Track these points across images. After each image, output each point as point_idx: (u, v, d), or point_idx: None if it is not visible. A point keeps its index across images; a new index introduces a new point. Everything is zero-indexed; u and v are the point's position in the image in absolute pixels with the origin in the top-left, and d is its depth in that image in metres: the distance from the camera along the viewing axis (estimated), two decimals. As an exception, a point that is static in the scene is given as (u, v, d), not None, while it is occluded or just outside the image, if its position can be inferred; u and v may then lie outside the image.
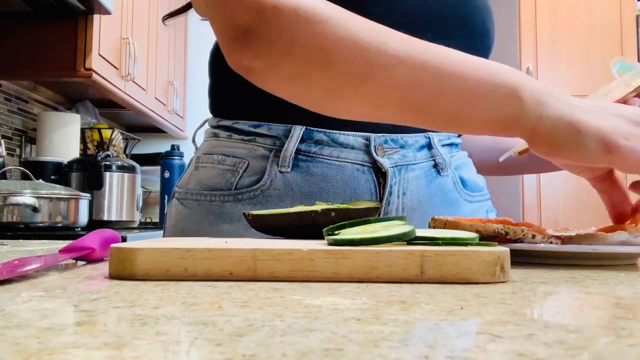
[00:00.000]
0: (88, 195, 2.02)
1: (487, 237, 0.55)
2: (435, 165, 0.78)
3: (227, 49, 0.61)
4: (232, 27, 0.60)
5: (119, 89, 2.49)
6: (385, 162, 0.74)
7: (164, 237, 0.82)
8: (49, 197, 1.80)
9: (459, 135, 0.84)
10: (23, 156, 2.46)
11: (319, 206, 0.59)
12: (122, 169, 2.37)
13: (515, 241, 0.54)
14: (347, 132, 0.74)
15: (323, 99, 0.61)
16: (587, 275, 0.47)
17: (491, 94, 0.55)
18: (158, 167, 3.04)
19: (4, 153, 2.10)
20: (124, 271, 0.42)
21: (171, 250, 0.42)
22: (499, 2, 3.74)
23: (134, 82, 2.62)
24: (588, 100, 0.57)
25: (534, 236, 0.54)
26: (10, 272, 0.40)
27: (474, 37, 0.76)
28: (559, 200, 3.32)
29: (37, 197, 1.77)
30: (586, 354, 0.22)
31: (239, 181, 0.74)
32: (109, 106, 2.87)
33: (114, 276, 0.42)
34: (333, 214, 0.57)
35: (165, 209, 2.59)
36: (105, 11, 2.18)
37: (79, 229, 1.95)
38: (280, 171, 0.73)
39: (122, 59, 2.52)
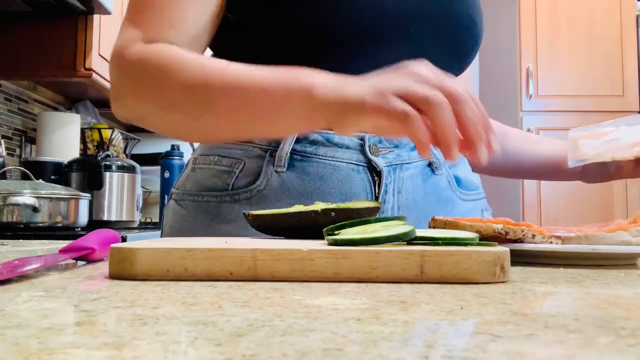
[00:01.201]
0: (88, 195, 2.02)
1: (487, 237, 0.55)
2: (430, 165, 0.78)
3: (111, 103, 0.75)
4: (111, 84, 0.74)
5: (119, 89, 2.49)
6: (380, 161, 0.74)
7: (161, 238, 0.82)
8: (49, 197, 1.80)
9: None
10: (23, 156, 2.46)
11: (318, 206, 0.59)
12: (122, 169, 2.37)
13: (515, 241, 0.54)
14: None
15: (179, 132, 0.74)
16: (587, 275, 0.47)
17: (288, 102, 0.61)
18: (158, 167, 3.04)
19: (4, 153, 2.10)
20: (124, 271, 0.42)
21: (171, 250, 0.42)
22: (499, 2, 3.74)
23: (134, 82, 2.62)
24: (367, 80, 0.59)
25: (534, 236, 0.54)
26: (10, 272, 0.40)
27: (459, 29, 0.76)
28: (559, 200, 3.32)
29: (37, 197, 1.77)
30: (586, 354, 0.22)
31: (235, 181, 0.75)
32: (109, 106, 2.86)
33: (114, 276, 0.42)
34: (333, 214, 0.57)
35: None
36: (105, 11, 2.18)
37: (79, 229, 1.95)
38: (276, 171, 0.74)
39: (122, 59, 2.51)
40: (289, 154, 0.73)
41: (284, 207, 0.68)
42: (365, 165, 0.74)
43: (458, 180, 0.81)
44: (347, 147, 0.74)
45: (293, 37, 0.72)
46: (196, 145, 0.87)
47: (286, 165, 0.73)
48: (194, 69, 0.65)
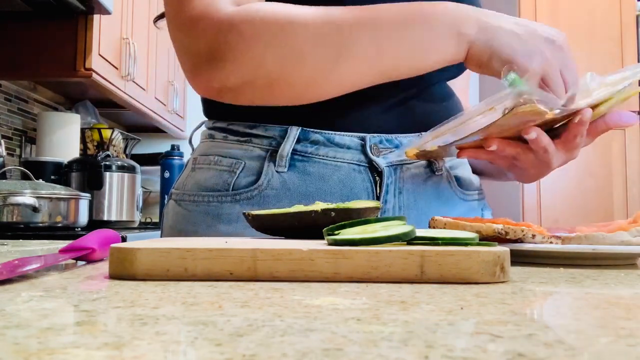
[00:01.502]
0: (88, 195, 2.02)
1: (487, 237, 0.55)
2: (430, 164, 0.78)
3: (191, 75, 0.68)
4: (194, 55, 0.66)
5: (119, 89, 2.49)
6: (381, 161, 0.74)
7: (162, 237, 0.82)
8: (49, 197, 1.80)
9: None
10: (23, 156, 2.46)
11: (318, 206, 0.59)
12: (122, 169, 2.37)
13: (515, 241, 0.54)
14: (343, 133, 0.74)
15: (305, 91, 0.69)
16: (587, 275, 0.47)
17: (437, 41, 0.66)
18: (158, 167, 3.04)
19: (4, 153, 2.10)
20: (124, 271, 0.42)
21: (171, 250, 0.42)
22: (499, 2, 3.74)
23: (134, 82, 2.62)
24: (517, 23, 0.67)
25: (534, 236, 0.54)
26: (10, 272, 0.40)
27: None
28: (559, 200, 3.32)
29: (37, 197, 1.77)
30: (586, 354, 0.22)
31: (236, 182, 0.75)
32: (109, 106, 2.87)
33: (114, 276, 0.42)
34: (333, 214, 0.57)
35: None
36: (105, 11, 2.18)
37: (79, 229, 1.95)
38: (277, 171, 0.73)
39: (122, 59, 2.52)
40: (290, 154, 0.73)
41: (285, 207, 0.68)
42: (367, 165, 0.74)
43: (458, 180, 0.81)
44: (348, 147, 0.74)
45: None
46: (195, 144, 0.87)
47: (287, 166, 0.73)
48: (319, 16, 0.64)
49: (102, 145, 2.65)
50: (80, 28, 2.20)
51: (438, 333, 0.26)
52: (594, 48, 3.36)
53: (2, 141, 2.09)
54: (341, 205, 0.59)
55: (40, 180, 2.02)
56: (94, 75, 2.22)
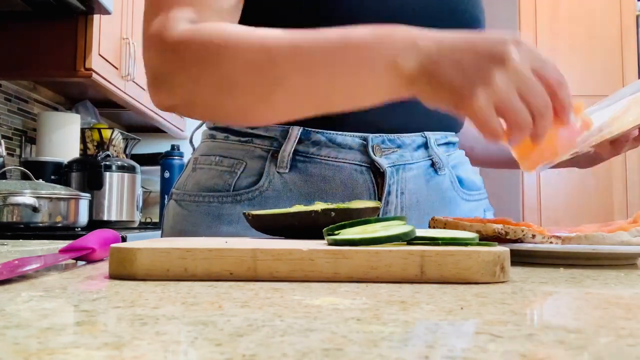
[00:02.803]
0: (88, 195, 2.02)
1: (487, 237, 0.55)
2: (433, 165, 0.78)
3: (149, 93, 0.68)
4: (148, 72, 0.67)
5: (119, 89, 2.49)
6: (383, 162, 0.74)
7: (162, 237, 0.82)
8: (49, 197, 1.80)
9: (456, 134, 0.84)
10: (23, 156, 2.46)
11: (318, 206, 0.59)
12: (122, 169, 2.37)
13: (515, 241, 0.54)
14: (345, 133, 0.74)
15: (240, 118, 0.68)
16: (587, 275, 0.47)
17: (371, 79, 0.59)
18: (158, 167, 3.04)
19: (4, 153, 2.10)
20: (124, 271, 0.42)
21: (171, 250, 0.42)
22: (499, 2, 3.74)
23: (134, 82, 2.62)
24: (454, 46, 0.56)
25: (534, 236, 0.54)
26: (10, 272, 0.40)
27: (465, 27, 0.76)
28: (559, 200, 3.32)
29: (37, 197, 1.77)
30: (586, 354, 0.22)
31: (236, 182, 0.74)
32: (109, 106, 2.86)
33: (114, 276, 0.42)
34: (333, 214, 0.57)
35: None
36: (105, 11, 2.18)
37: (79, 229, 1.95)
38: (278, 172, 0.73)
39: (122, 59, 2.52)
40: (291, 155, 0.73)
41: (287, 208, 0.68)
42: (368, 166, 0.74)
43: (461, 181, 0.81)
44: (350, 148, 0.74)
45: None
46: (197, 144, 0.87)
47: (289, 166, 0.73)
48: (254, 44, 0.61)
49: (102, 145, 2.65)
50: (80, 28, 2.19)
51: (438, 333, 0.26)
52: (594, 48, 3.36)
53: (2, 141, 2.09)
54: (341, 205, 0.59)
55: (40, 180, 2.02)
56: (94, 75, 2.22)
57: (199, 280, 0.41)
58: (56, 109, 2.71)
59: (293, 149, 0.73)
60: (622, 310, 0.32)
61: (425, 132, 0.77)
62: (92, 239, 0.54)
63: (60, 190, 1.86)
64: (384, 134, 0.75)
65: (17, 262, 0.45)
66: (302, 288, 0.38)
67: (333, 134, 0.74)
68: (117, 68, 2.47)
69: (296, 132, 0.73)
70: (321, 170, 0.73)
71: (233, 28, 0.64)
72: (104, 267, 0.50)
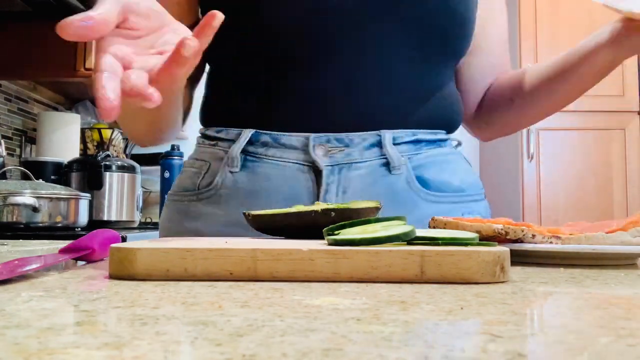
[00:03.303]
0: (88, 195, 2.02)
1: (487, 237, 0.55)
2: (386, 164, 0.76)
3: None
4: None
5: (119, 89, 2.49)
6: (323, 161, 0.75)
7: (159, 235, 0.89)
8: (49, 197, 1.80)
9: (447, 132, 0.83)
10: (23, 156, 2.46)
11: (318, 206, 0.59)
12: (122, 169, 2.37)
13: (515, 241, 0.54)
14: (290, 133, 0.76)
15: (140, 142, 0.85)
16: (587, 275, 0.47)
17: None
18: (158, 167, 3.04)
19: (4, 153, 2.10)
20: (124, 271, 0.42)
21: (171, 250, 0.42)
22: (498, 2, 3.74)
23: (134, 82, 2.62)
24: None
25: (534, 236, 0.54)
26: (10, 272, 0.40)
27: (434, 39, 0.78)
28: (559, 200, 3.32)
29: (37, 197, 1.77)
30: (586, 354, 0.22)
31: (201, 182, 0.80)
32: (109, 106, 2.86)
33: (114, 276, 0.42)
34: (333, 214, 0.57)
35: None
36: (105, 11, 2.17)
37: (79, 229, 1.95)
38: (230, 172, 0.78)
39: (122, 59, 2.51)
40: (240, 155, 0.77)
41: (236, 206, 0.74)
42: (310, 165, 0.76)
43: (424, 181, 0.78)
44: (295, 148, 0.76)
45: (260, 44, 0.76)
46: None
47: (239, 166, 0.77)
48: None
49: (102, 145, 2.65)
50: (80, 28, 2.19)
51: (438, 333, 0.26)
52: (594, 48, 3.35)
53: (2, 141, 2.09)
54: (341, 205, 0.59)
55: (40, 180, 2.02)
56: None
57: (199, 280, 0.41)
58: (56, 109, 2.71)
59: (240, 149, 0.77)
60: (622, 310, 0.32)
61: (382, 131, 0.76)
62: (92, 239, 0.54)
63: (60, 190, 1.86)
64: (330, 133, 0.76)
65: (17, 262, 0.45)
66: (302, 288, 0.38)
67: (279, 134, 0.76)
68: (117, 68, 2.47)
69: (247, 133, 0.77)
70: (267, 170, 0.77)
71: None
72: (104, 267, 0.50)
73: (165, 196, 0.90)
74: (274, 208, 0.68)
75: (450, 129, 0.85)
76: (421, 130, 0.79)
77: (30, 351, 0.22)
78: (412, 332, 0.26)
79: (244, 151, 0.77)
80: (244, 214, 0.62)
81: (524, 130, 3.34)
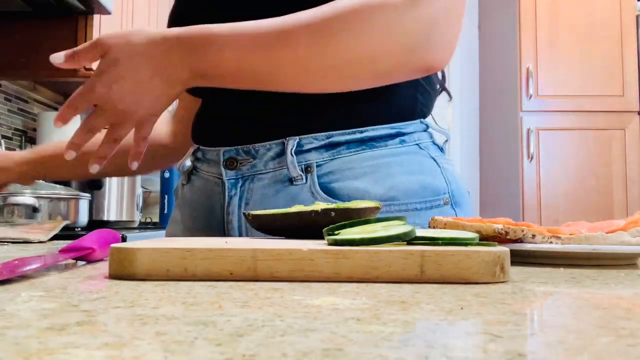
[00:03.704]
0: (88, 195, 2.02)
1: (487, 237, 0.55)
2: (288, 175, 0.73)
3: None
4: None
5: (119, 89, 2.49)
6: (227, 174, 0.76)
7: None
8: (49, 197, 1.80)
9: (400, 122, 0.75)
10: (23, 156, 2.45)
11: (318, 206, 0.59)
12: (122, 169, 2.37)
13: (515, 241, 0.54)
14: (210, 148, 0.79)
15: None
16: (587, 275, 0.47)
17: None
18: (158, 167, 3.04)
19: (4, 153, 2.10)
20: (124, 271, 0.42)
21: (171, 250, 0.42)
22: (499, 2, 3.74)
23: (134, 82, 2.62)
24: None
25: (534, 236, 0.54)
26: (10, 272, 0.40)
27: None
28: (559, 200, 3.32)
29: (37, 197, 1.77)
30: (586, 354, 0.22)
31: (177, 190, 0.89)
32: (109, 106, 2.86)
33: (114, 276, 0.42)
34: (333, 214, 0.57)
35: (165, 209, 2.59)
36: (105, 11, 2.18)
37: (79, 229, 1.95)
38: (182, 184, 0.87)
39: (122, 59, 2.51)
40: (188, 169, 0.85)
41: (187, 213, 0.83)
42: (220, 177, 0.77)
43: (331, 190, 0.72)
44: (215, 162, 0.78)
45: None
46: None
47: (187, 180, 0.85)
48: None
49: (102, 145, 2.64)
50: (80, 28, 2.19)
51: (438, 333, 0.26)
52: (594, 48, 3.36)
53: (2, 141, 2.09)
54: (341, 205, 0.59)
55: (40, 180, 2.01)
56: (94, 75, 2.22)
57: (199, 280, 0.41)
58: (56, 109, 2.71)
59: (187, 164, 0.85)
60: (622, 310, 0.32)
61: (287, 138, 0.72)
62: (92, 239, 0.54)
63: (60, 190, 1.86)
64: (238, 146, 0.76)
65: (17, 262, 0.45)
66: (302, 288, 0.38)
67: (206, 150, 0.80)
68: (117, 68, 2.47)
69: (192, 149, 0.84)
70: (198, 183, 0.82)
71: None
72: (104, 267, 0.50)
73: (166, 196, 0.97)
74: (202, 219, 0.78)
75: (401, 119, 0.75)
76: (339, 132, 0.72)
77: (30, 351, 0.22)
78: (412, 332, 0.26)
79: (189, 165, 0.85)
80: (244, 214, 0.62)
81: (524, 130, 3.34)
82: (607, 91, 3.35)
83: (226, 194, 0.76)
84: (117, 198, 2.35)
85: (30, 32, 2.20)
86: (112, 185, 2.34)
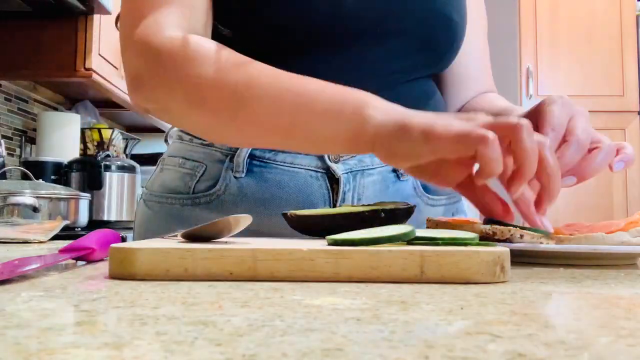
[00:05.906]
0: (88, 195, 2.02)
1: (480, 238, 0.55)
2: (395, 170, 0.76)
3: (128, 92, 0.68)
4: (128, 73, 0.67)
5: (119, 89, 2.49)
6: (339, 168, 0.73)
7: (133, 237, 0.83)
8: (49, 197, 1.80)
9: None
10: (23, 156, 2.46)
11: (364, 207, 0.59)
12: (122, 169, 2.37)
13: (504, 241, 0.54)
14: None
15: (208, 133, 0.68)
16: (587, 275, 0.47)
17: (338, 113, 0.57)
18: (158, 167, 3.04)
19: (4, 153, 2.10)
20: (124, 271, 0.42)
21: (171, 250, 0.42)
22: (499, 2, 3.74)
23: (134, 82, 2.62)
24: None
25: (522, 236, 0.54)
26: (10, 272, 0.40)
27: (433, 27, 0.74)
28: (559, 200, 3.31)
29: (37, 197, 1.77)
30: (586, 354, 0.22)
31: (196, 185, 0.75)
32: (109, 106, 2.86)
33: (114, 276, 0.42)
34: (383, 214, 0.57)
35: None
36: (105, 11, 2.18)
37: (79, 229, 1.95)
38: (235, 176, 0.73)
39: (122, 59, 2.51)
40: (247, 159, 0.73)
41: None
42: (324, 172, 0.73)
43: (425, 186, 0.78)
44: (306, 153, 0.73)
45: (258, 37, 0.72)
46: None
47: (245, 171, 0.73)
48: (237, 66, 0.61)
49: (102, 145, 2.65)
50: (80, 28, 2.19)
51: (438, 333, 0.26)
52: (594, 48, 3.36)
53: (2, 141, 2.09)
54: (383, 204, 0.59)
55: (40, 180, 2.02)
56: (94, 75, 2.22)
57: (199, 280, 0.41)
58: (56, 109, 2.71)
59: (249, 153, 0.73)
60: (622, 310, 0.32)
61: None
62: (92, 239, 0.54)
63: (60, 190, 1.86)
64: None
65: (17, 262, 0.45)
66: (302, 288, 0.38)
67: None
68: (117, 68, 2.47)
69: None
70: (276, 176, 0.73)
71: (219, 46, 0.63)
72: (104, 267, 0.50)
73: (140, 196, 0.84)
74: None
75: None
76: None
77: (30, 351, 0.22)
78: (412, 332, 0.26)
79: (250, 155, 0.73)
80: (285, 214, 0.61)
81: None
82: (607, 91, 3.35)
83: (340, 188, 0.72)
84: (117, 198, 2.35)
85: (30, 32, 2.20)
86: (112, 185, 2.34)
